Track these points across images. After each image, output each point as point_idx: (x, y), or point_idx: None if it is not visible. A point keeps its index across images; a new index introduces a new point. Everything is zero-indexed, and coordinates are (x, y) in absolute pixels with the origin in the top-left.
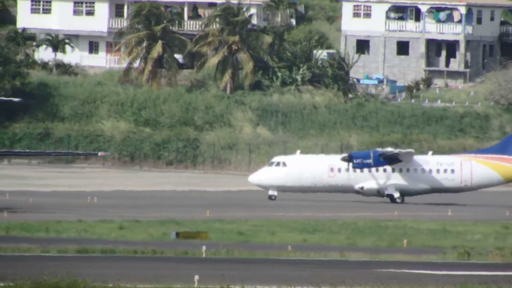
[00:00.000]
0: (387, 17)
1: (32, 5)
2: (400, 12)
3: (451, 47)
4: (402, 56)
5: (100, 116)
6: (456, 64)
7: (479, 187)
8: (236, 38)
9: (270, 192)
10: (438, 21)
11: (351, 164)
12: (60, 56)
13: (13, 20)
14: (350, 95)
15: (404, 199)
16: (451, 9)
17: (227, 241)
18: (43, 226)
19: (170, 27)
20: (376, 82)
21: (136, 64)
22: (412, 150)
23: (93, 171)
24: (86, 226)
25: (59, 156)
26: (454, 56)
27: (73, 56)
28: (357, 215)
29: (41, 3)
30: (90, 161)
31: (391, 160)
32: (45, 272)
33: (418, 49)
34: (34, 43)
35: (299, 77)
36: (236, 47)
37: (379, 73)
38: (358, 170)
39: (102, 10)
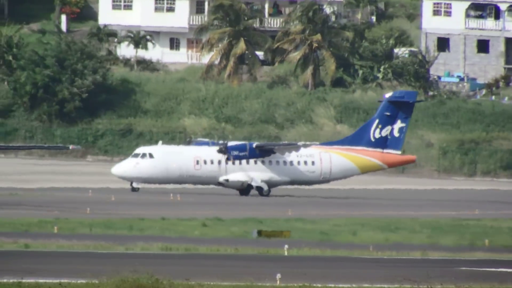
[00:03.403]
0: (467, 15)
1: (113, 1)
2: (480, 10)
3: None
4: (482, 54)
5: (181, 113)
6: None
7: (337, 179)
8: (318, 36)
9: (135, 185)
10: None
11: (226, 156)
12: (141, 52)
13: (94, 16)
14: (431, 93)
15: (270, 191)
16: None
17: (309, 239)
18: (126, 223)
19: (252, 24)
20: (457, 80)
21: (217, 60)
22: (301, 143)
23: None
24: (169, 224)
25: (29, 149)
26: None
27: (154, 52)
28: (437, 214)
29: None
30: None
31: (266, 152)
32: (128, 269)
33: (497, 47)
34: (116, 40)
35: (380, 75)
36: (317, 44)
37: (459, 71)
38: (223, 163)
39: (183, 6)
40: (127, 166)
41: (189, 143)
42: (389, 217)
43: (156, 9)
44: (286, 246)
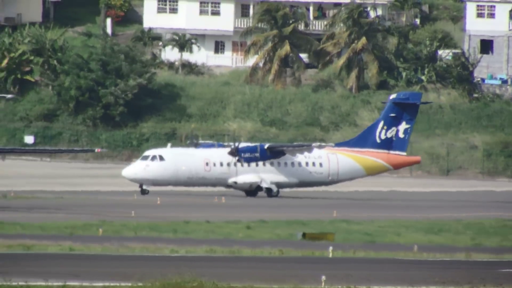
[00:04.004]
0: (511, 17)
1: (158, 4)
2: None
3: None
4: None
5: (226, 116)
6: None
7: (344, 180)
8: (364, 40)
9: (145, 187)
10: None
11: (237, 157)
12: (186, 55)
13: (139, 20)
14: (475, 95)
15: (279, 192)
16: None
17: (354, 241)
18: (171, 226)
19: (296, 27)
20: (500, 82)
21: (261, 63)
22: (316, 144)
23: None
24: (213, 227)
25: (56, 153)
26: None
27: (199, 55)
28: (481, 215)
29: (168, 2)
30: None
31: (277, 154)
32: (173, 272)
33: None
34: (160, 43)
35: (424, 78)
36: (361, 47)
37: (502, 73)
38: (232, 164)
39: (228, 9)
40: (137, 169)
41: (196, 145)
42: (433, 219)
43: (201, 12)
44: (331, 248)
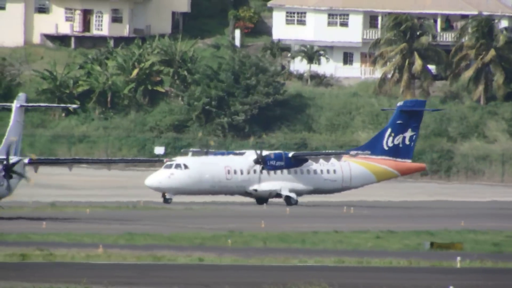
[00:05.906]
0: None
1: (287, 16)
2: None
3: None
4: None
5: (355, 127)
6: None
7: (356, 187)
8: (493, 52)
9: (168, 196)
10: None
11: (261, 166)
12: (314, 67)
13: (268, 31)
14: None
15: (298, 200)
16: None
17: (481, 251)
18: (299, 237)
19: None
20: None
21: (390, 74)
22: (354, 152)
23: None
24: (342, 237)
25: (126, 162)
26: None
27: (328, 66)
28: None
29: (296, 14)
30: None
31: (301, 162)
32: (302, 281)
33: None
34: (289, 54)
35: None
36: (489, 59)
37: None
38: (251, 172)
39: (356, 21)
40: (161, 177)
41: (206, 154)
42: None
43: (329, 24)
44: (458, 258)
